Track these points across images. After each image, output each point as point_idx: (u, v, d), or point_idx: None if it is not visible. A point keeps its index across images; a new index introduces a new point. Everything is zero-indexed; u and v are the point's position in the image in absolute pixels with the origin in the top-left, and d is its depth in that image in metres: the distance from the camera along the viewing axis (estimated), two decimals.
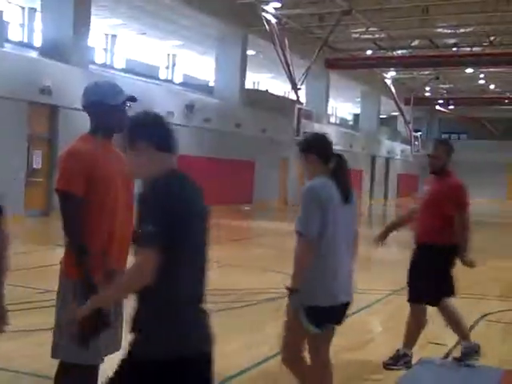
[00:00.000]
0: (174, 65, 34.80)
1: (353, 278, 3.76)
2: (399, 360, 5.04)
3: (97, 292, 2.77)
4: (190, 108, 23.19)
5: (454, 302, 5.26)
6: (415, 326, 5.13)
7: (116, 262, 3.09)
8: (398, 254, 14.98)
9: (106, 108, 3.15)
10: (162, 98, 22.21)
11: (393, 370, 4.97)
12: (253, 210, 24.61)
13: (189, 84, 29.91)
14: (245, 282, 8.53)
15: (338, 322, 3.73)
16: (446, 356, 5.51)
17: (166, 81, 30.65)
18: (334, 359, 5.21)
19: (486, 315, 7.10)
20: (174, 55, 34.19)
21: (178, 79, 33.60)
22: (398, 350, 5.11)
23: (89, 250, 2.99)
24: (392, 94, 39.07)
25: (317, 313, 3.53)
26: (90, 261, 2.97)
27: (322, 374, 3.73)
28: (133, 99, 3.23)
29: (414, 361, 5.16)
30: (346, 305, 3.72)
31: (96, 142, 3.17)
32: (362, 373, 5.03)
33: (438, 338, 6.06)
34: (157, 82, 26.44)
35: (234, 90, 26.46)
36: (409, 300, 5.19)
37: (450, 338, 5.84)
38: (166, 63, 34.43)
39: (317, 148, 3.71)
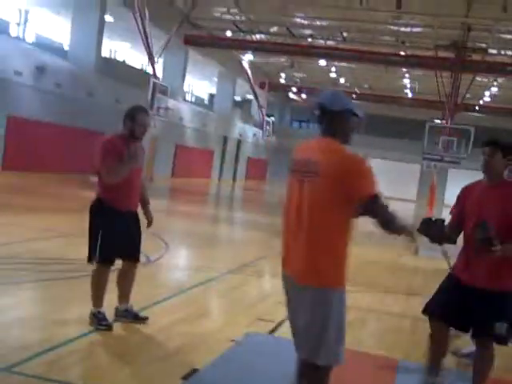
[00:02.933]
0: (26, 22, 32.96)
1: None
2: None
3: None
4: (40, 70, 22.18)
5: None
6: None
7: None
8: (240, 233, 15.52)
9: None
10: (10, 56, 21.06)
11: None
12: None
13: (41, 44, 28.49)
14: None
15: None
16: (272, 331, 5.86)
17: (17, 38, 29.00)
18: (173, 329, 5.43)
19: None
20: (26, 11, 32.38)
21: (30, 38, 31.93)
22: None
23: None
24: (248, 76, 39.76)
25: None
26: None
27: None
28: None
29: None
30: None
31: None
32: (197, 343, 5.23)
33: (267, 314, 6.42)
34: (6, 38, 24.98)
35: (89, 56, 25.61)
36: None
37: (278, 315, 6.23)
38: (17, 19, 32.54)
39: None
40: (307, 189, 3.15)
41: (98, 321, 5.24)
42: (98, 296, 5.33)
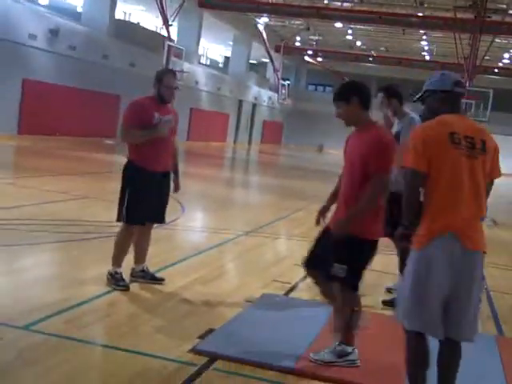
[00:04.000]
0: None
1: None
2: None
3: None
4: (54, 33, 22.07)
5: None
6: None
7: None
8: (255, 196, 15.53)
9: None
10: (24, 20, 20.97)
11: None
12: (116, 144, 24.14)
13: (55, 7, 28.29)
14: (103, 214, 8.48)
15: None
16: (288, 292, 5.89)
17: (31, 1, 28.78)
18: (189, 290, 5.47)
19: None
20: None
21: (44, 1, 31.69)
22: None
23: None
24: (263, 40, 39.35)
25: None
26: None
27: None
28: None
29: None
30: None
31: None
32: (213, 303, 5.26)
33: (283, 276, 6.45)
34: (19, 1, 24.81)
35: (103, 18, 25.45)
36: None
37: (294, 277, 6.24)
38: None
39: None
40: (480, 165, 3.34)
41: (116, 281, 5.28)
42: (118, 256, 5.38)
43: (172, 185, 5.71)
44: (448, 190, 3.25)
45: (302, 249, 6.40)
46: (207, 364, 3.90)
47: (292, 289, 6.01)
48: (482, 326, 4.55)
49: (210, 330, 4.48)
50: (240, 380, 3.81)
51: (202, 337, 4.34)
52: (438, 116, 3.42)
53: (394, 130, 5.70)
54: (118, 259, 5.37)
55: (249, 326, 4.77)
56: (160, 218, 5.59)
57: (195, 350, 4.07)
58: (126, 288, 5.26)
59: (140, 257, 5.60)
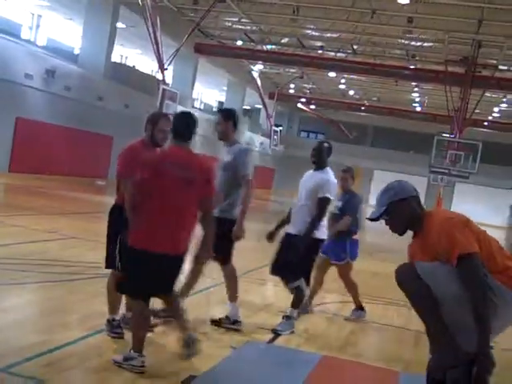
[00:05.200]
0: (38, 26, 33.20)
1: None
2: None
3: None
4: (50, 73, 22.30)
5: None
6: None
7: None
8: (242, 242, 15.50)
9: None
10: (21, 59, 21.20)
11: None
12: (107, 185, 24.14)
13: (52, 48, 28.67)
14: (89, 255, 8.44)
15: None
16: (272, 340, 5.84)
17: (28, 42, 29.19)
18: (172, 335, 5.40)
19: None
20: (39, 16, 32.63)
21: (42, 42, 32.13)
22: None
23: None
24: (257, 86, 39.83)
25: None
26: None
27: None
28: None
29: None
30: None
31: None
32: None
33: (268, 323, 6.40)
34: (18, 41, 25.13)
35: (99, 61, 25.76)
36: None
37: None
38: (29, 23, 32.77)
39: None
40: None
41: (112, 328, 5.19)
42: (113, 303, 5.28)
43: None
44: None
45: (288, 295, 6.41)
46: None
47: (276, 337, 5.96)
48: None
49: (192, 377, 4.43)
50: None
51: (184, 383, 4.29)
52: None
53: None
54: (112, 306, 5.27)
55: (231, 373, 4.72)
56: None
57: None
58: (119, 335, 5.16)
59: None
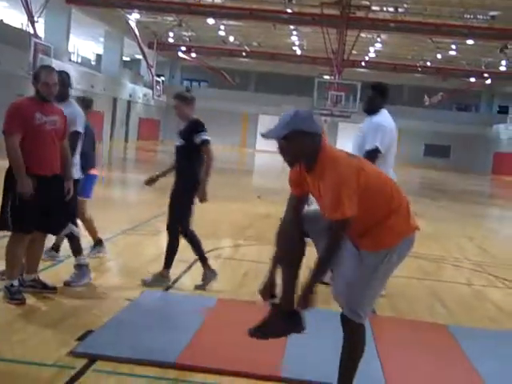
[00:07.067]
0: None
1: None
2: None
3: None
4: None
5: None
6: None
7: None
8: (132, 195, 15.33)
9: None
10: None
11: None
12: None
13: None
14: None
15: None
16: (168, 288, 5.90)
17: None
18: (65, 293, 5.32)
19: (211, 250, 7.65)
20: None
21: None
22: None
23: None
24: (136, 36, 38.76)
25: None
26: None
27: None
28: None
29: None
30: None
31: None
32: (93, 304, 5.16)
33: None
34: None
35: None
36: None
37: (175, 272, 6.24)
38: None
39: None
40: None
41: (12, 294, 4.97)
42: (12, 266, 5.05)
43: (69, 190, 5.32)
44: None
45: (180, 244, 6.42)
46: (86, 366, 3.83)
47: (173, 284, 6.01)
48: None
49: (89, 332, 4.40)
50: (121, 379, 3.78)
51: (80, 339, 4.26)
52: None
53: None
54: (12, 270, 5.05)
55: (129, 324, 4.72)
56: (45, 227, 5.20)
57: (73, 353, 3.99)
58: (21, 302, 4.95)
59: (31, 266, 5.30)
